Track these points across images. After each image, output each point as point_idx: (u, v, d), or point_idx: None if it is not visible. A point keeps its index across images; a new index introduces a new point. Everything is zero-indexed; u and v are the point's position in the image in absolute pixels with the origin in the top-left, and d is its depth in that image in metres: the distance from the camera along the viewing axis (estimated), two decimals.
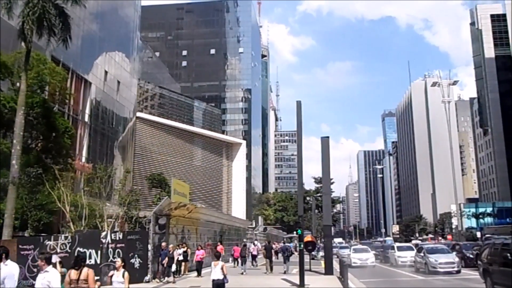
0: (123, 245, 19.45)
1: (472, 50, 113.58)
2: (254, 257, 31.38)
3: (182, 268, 22.74)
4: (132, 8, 53.90)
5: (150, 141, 56.71)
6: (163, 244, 20.54)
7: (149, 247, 20.23)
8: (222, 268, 12.59)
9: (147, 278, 19.69)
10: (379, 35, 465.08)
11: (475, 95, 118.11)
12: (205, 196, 64.05)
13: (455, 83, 71.38)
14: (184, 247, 22.50)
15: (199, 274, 22.68)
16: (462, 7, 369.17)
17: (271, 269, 25.84)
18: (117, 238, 19.62)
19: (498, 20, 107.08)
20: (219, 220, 35.70)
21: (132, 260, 19.68)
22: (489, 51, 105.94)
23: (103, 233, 19.87)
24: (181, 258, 21.89)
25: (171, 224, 23.75)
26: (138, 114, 56.01)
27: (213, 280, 12.57)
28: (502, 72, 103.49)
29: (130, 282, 15.28)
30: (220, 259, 13.23)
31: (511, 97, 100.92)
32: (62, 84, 25.04)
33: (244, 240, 44.37)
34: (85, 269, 8.32)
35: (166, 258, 20.17)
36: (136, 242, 19.72)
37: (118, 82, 46.55)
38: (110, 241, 19.33)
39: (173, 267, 20.21)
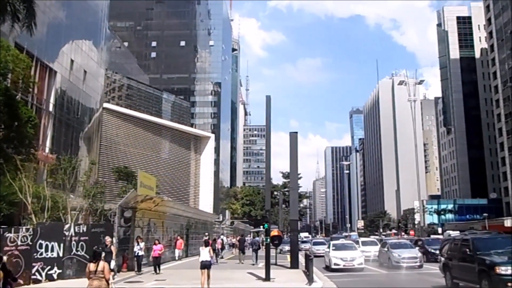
0: (87, 238, 19.13)
1: (438, 51, 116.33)
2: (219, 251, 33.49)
3: (122, 265, 21.19)
4: None
5: (117, 132, 55.72)
6: (107, 239, 18.47)
7: (114, 240, 19.94)
8: (209, 251, 15.75)
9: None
10: (349, 33, 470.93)
11: (440, 94, 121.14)
12: (172, 189, 63.51)
13: (421, 82, 73.14)
14: (141, 241, 21.30)
15: (155, 271, 21.14)
16: (429, 9, 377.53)
17: (256, 258, 27.98)
18: (81, 231, 19.27)
19: (463, 22, 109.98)
20: (186, 214, 35.52)
21: None
22: (454, 52, 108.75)
23: (66, 226, 19.48)
24: (141, 253, 21.15)
25: (137, 217, 23.49)
26: (105, 105, 54.92)
27: (202, 261, 15.52)
28: (466, 74, 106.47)
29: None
30: (205, 245, 16.12)
31: (474, 98, 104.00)
32: (26, 72, 24.19)
33: (214, 234, 44.35)
34: (101, 262, 9.57)
35: (103, 254, 18.86)
36: (100, 235, 19.39)
37: (85, 71, 45.49)
38: (73, 234, 18.98)
39: (112, 264, 17.56)
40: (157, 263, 21.39)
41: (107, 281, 9.53)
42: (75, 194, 27.09)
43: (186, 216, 35.23)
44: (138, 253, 20.91)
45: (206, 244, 16.31)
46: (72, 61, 42.41)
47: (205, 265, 15.42)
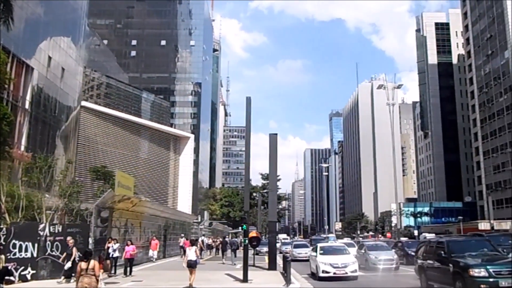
0: (62, 238, 18.81)
1: (417, 56, 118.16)
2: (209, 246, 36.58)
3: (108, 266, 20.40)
4: None
5: (94, 131, 54.97)
6: (69, 240, 17.77)
7: (90, 240, 19.65)
8: (195, 251, 16.87)
9: None
10: (329, 36, 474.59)
11: (417, 99, 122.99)
12: (150, 189, 62.95)
13: (399, 86, 73.90)
14: (115, 242, 20.48)
15: (125, 273, 20.23)
16: (408, 14, 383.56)
17: (228, 257, 30.80)
18: (56, 231, 18.97)
19: (442, 28, 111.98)
20: (164, 214, 35.27)
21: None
22: (432, 58, 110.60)
23: (41, 226, 19.12)
24: (116, 254, 20.37)
25: (114, 218, 23.21)
26: (83, 103, 54.11)
27: (188, 261, 16.50)
28: (443, 79, 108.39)
29: (69, 276, 15.09)
30: (191, 245, 17.63)
31: (451, 103, 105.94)
32: (2, 68, 23.71)
33: (193, 235, 44.09)
34: (92, 261, 10.29)
35: (65, 254, 17.74)
36: (76, 236, 19.09)
37: (63, 69, 44.75)
38: (48, 234, 18.66)
39: (68, 264, 17.18)
40: (129, 264, 20.50)
41: (96, 278, 10.28)
42: (51, 194, 26.59)
43: (164, 217, 34.98)
44: (112, 254, 20.26)
45: (193, 243, 17.71)
46: (49, 58, 41.67)
47: (191, 264, 16.39)
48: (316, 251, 21.63)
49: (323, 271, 19.62)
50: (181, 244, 35.50)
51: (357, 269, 19.93)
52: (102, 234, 21.49)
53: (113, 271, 20.51)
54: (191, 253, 16.58)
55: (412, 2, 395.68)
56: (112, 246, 20.26)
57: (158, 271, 24.00)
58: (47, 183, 24.92)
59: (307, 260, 29.29)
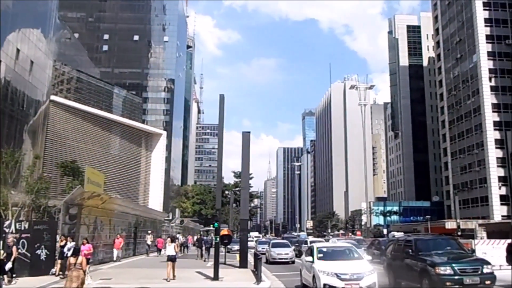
0: (28, 235, 18.40)
1: (389, 58, 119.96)
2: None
3: (57, 267, 18.84)
4: None
5: (64, 126, 53.77)
6: (9, 238, 16.51)
7: (58, 238, 19.27)
8: (174, 247, 18.46)
9: (53, 270, 18.73)
10: (303, 35, 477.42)
11: (389, 100, 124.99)
12: (121, 186, 62.04)
13: (371, 87, 75.29)
14: (70, 241, 18.75)
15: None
16: (380, 16, 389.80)
17: (202, 256, 31.11)
18: (22, 228, 18.52)
19: (413, 31, 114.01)
20: (134, 212, 34.88)
21: (38, 252, 18.69)
22: (404, 60, 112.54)
23: (7, 222, 18.64)
24: (70, 254, 18.15)
25: (83, 215, 22.80)
26: (52, 97, 52.89)
27: (168, 255, 17.95)
28: (414, 80, 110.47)
29: (35, 274, 14.95)
30: (171, 241, 19.20)
31: (421, 104, 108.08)
32: None
33: (163, 233, 43.82)
34: (80, 257, 12.03)
35: (4, 254, 16.16)
36: (43, 233, 18.71)
37: (32, 62, 43.66)
38: (14, 231, 18.18)
39: (9, 265, 15.94)
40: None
41: (84, 272, 11.56)
42: (17, 190, 25.98)
43: (134, 214, 34.59)
44: (67, 254, 18.23)
45: (173, 240, 19.40)
46: (18, 50, 40.59)
47: (171, 259, 17.90)
48: (311, 255, 15.18)
49: (325, 285, 13.57)
50: (148, 242, 35.34)
51: (376, 281, 13.81)
52: (70, 231, 21.09)
53: (67, 272, 19.01)
54: (171, 248, 18.18)
55: (384, 4, 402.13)
56: (67, 245, 18.57)
57: (127, 269, 23.70)
58: (14, 179, 24.37)
59: (288, 263, 28.36)
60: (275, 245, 31.53)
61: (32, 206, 25.79)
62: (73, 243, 18.93)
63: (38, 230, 18.73)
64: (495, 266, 15.69)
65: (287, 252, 29.24)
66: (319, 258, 14.92)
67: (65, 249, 18.53)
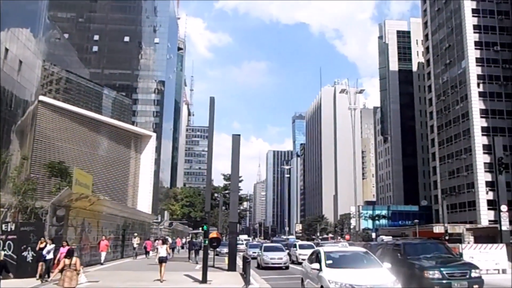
0: (15, 236, 18.20)
1: (379, 62, 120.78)
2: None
3: (38, 269, 18.22)
4: None
5: (52, 127, 53.28)
6: None
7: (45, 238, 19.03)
8: (166, 249, 19.36)
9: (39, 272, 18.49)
10: (293, 39, 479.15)
11: (378, 104, 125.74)
12: (109, 188, 61.58)
13: (361, 92, 75.40)
14: (49, 243, 18.37)
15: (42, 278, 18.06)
16: (370, 21, 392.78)
17: (196, 257, 30.91)
18: (9, 229, 18.31)
19: (403, 36, 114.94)
20: (122, 214, 34.62)
21: (25, 253, 18.46)
22: (394, 65, 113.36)
23: None
24: (50, 256, 18.09)
25: (71, 216, 22.58)
26: (41, 98, 52.40)
27: (160, 257, 18.74)
28: (403, 85, 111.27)
29: (21, 276, 14.84)
30: (162, 243, 20.39)
31: (410, 109, 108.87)
32: None
33: (152, 235, 43.58)
34: (74, 258, 12.24)
35: None
36: (30, 234, 18.49)
37: (20, 61, 43.23)
38: (0, 232, 17.95)
39: None
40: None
41: (77, 272, 12.31)
42: (4, 190, 25.66)
43: (123, 216, 34.33)
44: (46, 256, 18.02)
45: (164, 242, 20.71)
46: (6, 49, 40.17)
47: (162, 260, 18.64)
48: (318, 261, 12.54)
49: None
50: (134, 245, 35.12)
51: None
52: (57, 233, 20.87)
53: (46, 276, 18.01)
54: (163, 250, 19.00)
55: (374, 10, 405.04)
56: (47, 248, 18.18)
57: (114, 271, 23.49)
58: (0, 180, 24.02)
59: (281, 268, 26.86)
60: (268, 249, 29.31)
61: (19, 208, 25.45)
62: (52, 246, 18.52)
63: (24, 232, 18.52)
64: (483, 271, 15.81)
65: (281, 257, 27.41)
66: (328, 266, 12.09)
67: (44, 252, 18.15)
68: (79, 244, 22.67)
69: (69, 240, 20.96)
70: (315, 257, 13.28)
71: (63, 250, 17.59)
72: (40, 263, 18.12)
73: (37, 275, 18.10)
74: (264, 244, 33.77)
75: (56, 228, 20.88)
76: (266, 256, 27.58)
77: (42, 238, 18.80)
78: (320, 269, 12.07)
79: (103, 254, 27.05)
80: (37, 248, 18.52)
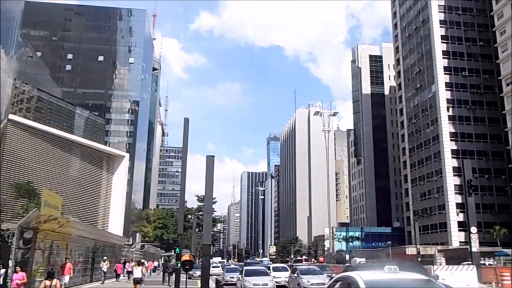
0: None
1: (352, 85, 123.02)
2: (129, 273, 34.60)
3: None
4: (14, 2, 49.75)
5: (21, 146, 51.95)
6: None
7: (10, 263, 18.32)
8: (141, 270, 20.69)
9: None
10: (268, 61, 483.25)
11: (351, 127, 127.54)
12: (79, 209, 60.08)
13: (335, 114, 76.48)
14: (0, 267, 17.16)
15: None
16: (343, 45, 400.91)
17: (169, 280, 31.88)
18: None
19: (375, 60, 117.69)
20: (92, 236, 33.71)
21: None
22: (366, 88, 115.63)
23: None
24: (1, 280, 17.16)
25: (38, 239, 21.84)
26: (11, 116, 51.29)
27: (135, 278, 20.28)
28: (376, 108, 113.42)
29: None
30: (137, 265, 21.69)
31: (383, 131, 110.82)
32: None
33: (123, 258, 42.55)
34: (54, 280, 13.27)
35: None
36: None
37: None
38: None
39: None
40: None
41: None
42: None
43: (93, 239, 33.43)
44: None
45: (139, 264, 22.31)
46: None
47: (137, 281, 20.35)
48: None
49: None
50: (103, 269, 33.91)
51: None
52: (24, 256, 20.13)
53: None
54: (138, 271, 20.66)
55: (347, 34, 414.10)
56: None
57: None
58: None
59: None
60: (250, 273, 25.43)
61: None
62: (3, 270, 17.69)
63: None
64: None
65: (266, 282, 24.00)
66: None
67: None
68: (46, 268, 21.87)
69: (35, 264, 20.31)
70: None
71: (17, 276, 16.70)
72: None
73: None
74: (246, 268, 29.04)
75: (23, 251, 20.15)
76: (248, 282, 23.99)
77: None
78: None
79: (67, 278, 25.69)
80: None
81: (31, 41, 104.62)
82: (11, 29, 49.26)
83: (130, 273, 34.04)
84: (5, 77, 46.97)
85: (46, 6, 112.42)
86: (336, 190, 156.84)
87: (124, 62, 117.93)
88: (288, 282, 27.89)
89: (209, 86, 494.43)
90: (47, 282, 12.72)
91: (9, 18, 48.91)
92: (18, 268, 17.08)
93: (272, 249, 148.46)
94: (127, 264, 37.16)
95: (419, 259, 49.35)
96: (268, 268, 34.64)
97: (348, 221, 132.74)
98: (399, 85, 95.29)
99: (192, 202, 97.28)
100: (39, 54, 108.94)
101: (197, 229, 67.54)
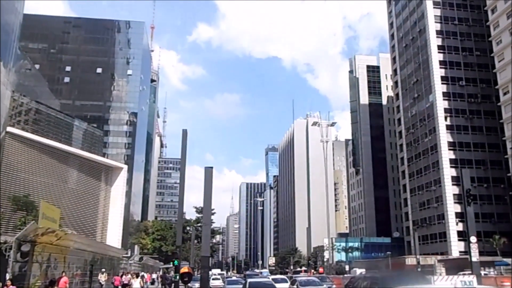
0: None
1: (350, 96, 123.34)
2: (125, 286, 34.19)
3: None
4: (12, 15, 49.95)
5: (19, 159, 51.83)
6: None
7: (7, 276, 18.18)
8: (140, 282, 20.98)
9: None
10: (266, 72, 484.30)
11: (350, 137, 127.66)
12: (77, 221, 59.79)
13: (333, 124, 76.75)
14: None
15: None
16: (340, 56, 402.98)
17: None
18: None
19: (373, 70, 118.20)
20: (91, 248, 33.50)
21: None
22: (364, 98, 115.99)
23: None
24: None
25: (36, 252, 21.70)
26: (9, 128, 51.24)
27: None
28: (374, 118, 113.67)
29: None
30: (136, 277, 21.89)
31: (381, 141, 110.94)
32: None
33: (121, 270, 42.26)
34: None
35: None
36: None
37: None
38: None
39: None
40: None
41: None
42: None
43: (91, 251, 33.21)
44: None
45: (137, 276, 23.41)
46: None
47: None
48: None
49: None
50: (101, 281, 33.72)
51: None
52: (21, 269, 19.99)
53: None
54: (136, 283, 21.81)
55: (344, 45, 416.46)
56: None
57: None
58: None
59: None
60: (255, 286, 23.10)
61: None
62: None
63: None
64: None
65: None
66: None
67: None
68: (43, 281, 21.70)
69: (33, 277, 20.15)
70: None
71: None
72: None
73: None
74: (250, 280, 25.94)
75: (20, 265, 20.03)
76: None
77: None
78: None
79: None
80: None
81: (29, 54, 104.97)
82: (9, 42, 49.39)
83: (126, 285, 34.11)
84: (3, 89, 47.00)
85: (45, 18, 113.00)
86: (335, 200, 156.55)
87: (122, 74, 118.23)
88: None
89: (207, 97, 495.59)
90: None
91: (8, 31, 49.06)
92: (8, 282, 16.72)
93: (272, 260, 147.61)
94: (124, 276, 36.82)
95: (419, 269, 49.17)
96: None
97: (347, 231, 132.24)
98: (397, 95, 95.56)
99: (190, 214, 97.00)
100: (37, 66, 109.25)
101: (195, 241, 67.28)
